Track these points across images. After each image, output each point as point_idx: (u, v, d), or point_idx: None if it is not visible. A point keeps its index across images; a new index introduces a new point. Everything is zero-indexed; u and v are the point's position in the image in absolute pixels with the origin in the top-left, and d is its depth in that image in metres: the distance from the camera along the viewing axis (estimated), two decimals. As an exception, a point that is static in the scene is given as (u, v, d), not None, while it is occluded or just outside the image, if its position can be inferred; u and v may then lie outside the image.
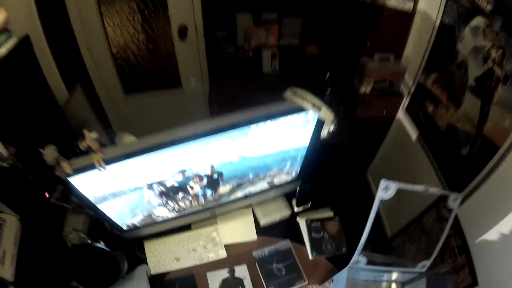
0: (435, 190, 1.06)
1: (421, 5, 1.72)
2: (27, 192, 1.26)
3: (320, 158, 1.38)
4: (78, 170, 0.95)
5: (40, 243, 1.27)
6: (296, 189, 1.49)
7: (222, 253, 1.41)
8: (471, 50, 1.41)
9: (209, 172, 1.18)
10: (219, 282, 1.33)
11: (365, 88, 1.88)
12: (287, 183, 1.44)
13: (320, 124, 1.10)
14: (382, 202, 0.98)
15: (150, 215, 1.29)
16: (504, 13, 1.23)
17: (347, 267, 1.18)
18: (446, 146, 1.63)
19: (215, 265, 1.39)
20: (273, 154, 1.22)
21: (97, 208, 1.12)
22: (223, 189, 1.31)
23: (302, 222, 1.47)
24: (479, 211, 1.36)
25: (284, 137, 1.16)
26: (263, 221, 1.50)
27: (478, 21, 1.36)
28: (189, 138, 0.99)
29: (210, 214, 1.43)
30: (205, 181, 1.22)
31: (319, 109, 1.03)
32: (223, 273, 1.36)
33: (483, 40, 1.33)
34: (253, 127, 1.04)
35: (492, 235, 1.24)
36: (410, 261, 1.23)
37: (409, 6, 1.70)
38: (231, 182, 1.29)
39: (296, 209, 1.52)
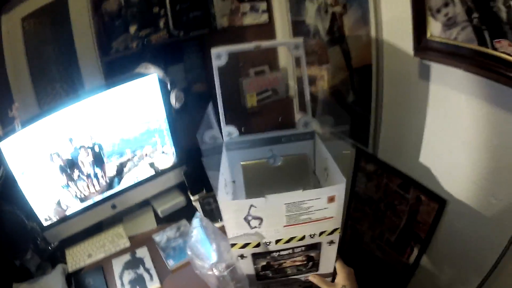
0: (269, 43, 1.18)
1: (276, 13, 2.01)
2: None
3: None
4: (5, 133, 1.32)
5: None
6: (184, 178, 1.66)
7: (126, 243, 1.60)
8: (315, 15, 1.66)
9: (90, 144, 1.44)
10: (122, 264, 1.50)
11: (250, 102, 2.05)
12: (171, 167, 1.66)
13: (165, 92, 1.42)
14: (220, 69, 1.15)
15: (59, 203, 1.48)
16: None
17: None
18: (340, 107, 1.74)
19: (120, 253, 1.55)
20: (137, 125, 1.48)
21: (18, 186, 1.35)
22: (109, 168, 1.53)
23: (196, 203, 1.63)
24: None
25: (140, 105, 1.45)
26: (160, 210, 1.70)
27: None
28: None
29: (112, 207, 1.60)
30: (90, 155, 1.46)
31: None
32: (126, 257, 1.53)
33: None
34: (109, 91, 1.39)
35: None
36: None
37: (264, 17, 1.99)
38: (113, 159, 1.52)
39: (192, 198, 1.65)
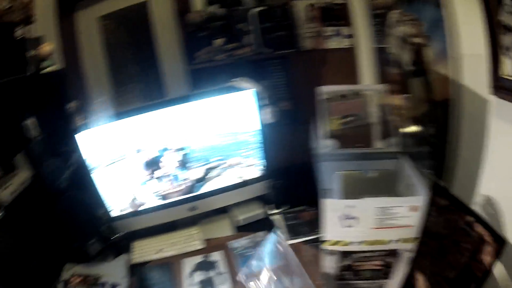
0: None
1: (360, 38, 2.36)
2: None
3: (289, 159, 2.05)
4: (85, 125, 1.76)
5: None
6: (269, 192, 2.03)
7: (200, 245, 1.94)
8: (398, 44, 1.96)
9: (179, 145, 1.83)
10: (193, 265, 1.83)
11: (332, 126, 2.22)
12: (257, 179, 2.00)
13: (260, 107, 1.80)
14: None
15: (136, 197, 1.89)
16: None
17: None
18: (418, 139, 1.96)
19: (192, 254, 1.90)
20: (229, 134, 1.87)
21: (92, 178, 1.79)
22: (194, 172, 1.91)
23: (277, 216, 1.98)
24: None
25: (235, 116, 1.85)
26: (240, 219, 2.04)
27: (392, 16, 1.99)
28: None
29: (190, 209, 1.98)
30: (177, 157, 1.85)
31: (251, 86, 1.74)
32: (198, 259, 1.86)
33: (401, 26, 1.91)
34: (206, 100, 1.81)
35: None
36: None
37: (347, 42, 2.39)
38: (200, 164, 1.90)
39: (274, 211, 2.03)
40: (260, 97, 1.85)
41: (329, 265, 1.41)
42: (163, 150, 1.86)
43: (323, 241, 1.35)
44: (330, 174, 1.54)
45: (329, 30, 2.45)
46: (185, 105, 1.83)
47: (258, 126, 1.90)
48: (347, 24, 2.45)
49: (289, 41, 2.43)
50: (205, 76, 2.37)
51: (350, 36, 2.44)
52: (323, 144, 1.61)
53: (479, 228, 1.50)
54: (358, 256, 1.37)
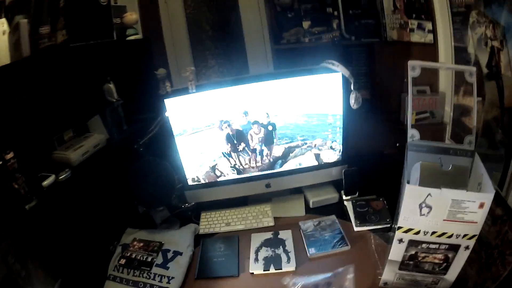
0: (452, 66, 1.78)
1: (440, 35, 2.50)
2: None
3: (364, 148, 2.24)
4: (174, 92, 1.99)
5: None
6: (343, 177, 2.18)
7: (270, 222, 2.16)
8: (477, 45, 2.10)
9: (265, 121, 2.03)
10: (261, 241, 2.02)
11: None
12: (333, 163, 2.21)
13: (347, 91, 2.00)
14: (413, 79, 1.69)
15: (214, 168, 2.12)
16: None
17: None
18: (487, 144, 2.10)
19: (262, 230, 2.11)
20: (313, 115, 2.07)
21: (175, 143, 2.04)
22: (276, 149, 2.12)
23: (348, 203, 2.16)
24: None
25: (320, 98, 2.04)
26: (312, 201, 2.24)
27: (472, 16, 2.12)
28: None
29: (266, 186, 2.20)
30: (262, 132, 2.05)
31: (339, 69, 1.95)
32: (267, 235, 2.05)
33: (480, 27, 2.05)
34: (294, 79, 2.03)
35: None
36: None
37: (430, 37, 2.51)
38: (282, 142, 2.11)
39: (344, 197, 2.20)
40: (347, 82, 2.01)
41: (397, 252, 1.56)
42: (250, 124, 2.06)
43: (397, 228, 1.50)
44: (412, 163, 1.69)
45: (412, 23, 2.62)
46: (274, 81, 2.03)
47: (341, 110, 2.08)
48: (429, 19, 2.59)
49: (374, 30, 2.63)
50: (290, 56, 2.61)
51: (431, 31, 2.58)
52: (409, 134, 1.77)
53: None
54: (425, 246, 1.52)
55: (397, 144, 2.33)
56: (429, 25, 2.60)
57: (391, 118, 2.69)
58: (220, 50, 2.68)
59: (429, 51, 2.61)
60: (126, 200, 2.21)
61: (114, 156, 2.31)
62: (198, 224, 2.21)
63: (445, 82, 2.63)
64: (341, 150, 2.21)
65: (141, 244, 2.10)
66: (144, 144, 2.12)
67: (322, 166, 2.24)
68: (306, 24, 2.63)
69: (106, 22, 2.43)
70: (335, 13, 2.66)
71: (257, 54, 2.66)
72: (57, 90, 2.11)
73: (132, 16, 2.53)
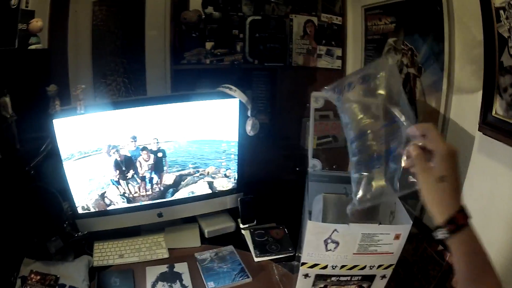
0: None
1: (349, 61, 2.56)
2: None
3: (261, 174, 2.19)
4: (63, 111, 1.84)
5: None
6: (238, 206, 2.15)
7: (165, 253, 2.04)
8: None
9: (154, 147, 1.94)
10: (157, 275, 1.89)
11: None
12: (228, 191, 2.15)
13: (243, 117, 1.94)
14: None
15: (103, 196, 1.99)
16: (403, 23, 2.08)
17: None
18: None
19: (156, 262, 1.98)
20: (206, 141, 2.00)
21: (63, 167, 1.88)
22: (167, 177, 2.03)
23: (246, 232, 2.10)
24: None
25: (215, 124, 1.98)
26: (207, 231, 2.16)
27: (388, 43, 2.18)
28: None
29: (158, 215, 2.09)
30: (151, 159, 1.96)
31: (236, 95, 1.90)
32: (162, 268, 1.93)
33: (396, 54, 2.10)
34: (190, 104, 1.94)
35: None
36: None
37: (338, 63, 2.55)
38: (173, 170, 2.03)
39: (242, 226, 2.15)
40: (244, 108, 1.98)
41: (303, 287, 1.53)
42: (139, 150, 1.96)
43: (301, 263, 1.46)
44: (314, 193, 1.67)
45: (321, 49, 2.63)
46: (168, 105, 1.94)
47: (236, 137, 2.04)
48: (339, 45, 2.64)
49: (279, 55, 2.58)
50: (190, 78, 2.53)
51: (340, 57, 2.62)
52: (311, 164, 1.75)
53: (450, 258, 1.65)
54: (335, 280, 1.50)
55: (297, 169, 2.29)
56: (338, 51, 2.65)
57: (291, 144, 2.69)
58: (120, 67, 2.53)
59: (336, 76, 2.64)
60: (21, 228, 2.05)
61: (6, 178, 2.07)
62: (92, 255, 2.05)
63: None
64: (236, 178, 2.17)
65: (38, 277, 1.93)
66: (35, 167, 2.01)
67: (216, 194, 2.19)
68: (209, 45, 2.57)
69: (10, 27, 2.21)
70: (241, 35, 2.60)
71: (156, 73, 2.58)
72: None
73: (37, 23, 2.33)
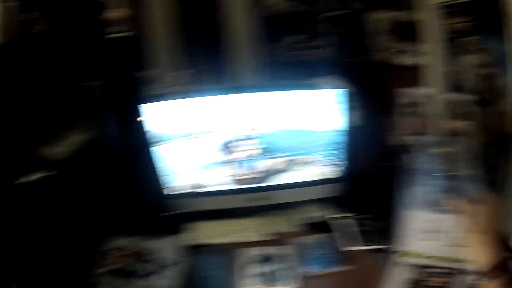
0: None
1: (429, 59, 2.50)
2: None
3: (359, 166, 2.24)
4: (163, 95, 1.98)
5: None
6: (340, 195, 2.21)
7: (261, 236, 2.10)
8: (469, 71, 2.16)
9: (258, 133, 2.03)
10: (251, 257, 1.96)
11: (397, 140, 2.52)
12: (328, 180, 2.19)
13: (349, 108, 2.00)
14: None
15: (202, 178, 2.11)
16: (479, 22, 2.08)
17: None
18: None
19: (252, 245, 2.04)
20: (310, 131, 2.06)
21: (162, 149, 2.01)
22: (269, 163, 2.10)
23: (342, 221, 2.15)
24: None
25: (318, 113, 2.03)
26: (306, 217, 2.21)
27: (466, 42, 2.19)
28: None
29: (256, 199, 2.18)
30: (254, 144, 2.05)
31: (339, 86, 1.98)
32: (256, 251, 1.99)
33: (473, 53, 2.13)
34: (290, 92, 1.99)
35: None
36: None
37: (419, 61, 2.52)
38: (276, 156, 2.10)
39: (339, 215, 2.20)
40: (348, 99, 2.01)
41: (397, 277, 1.58)
42: (242, 135, 2.04)
43: (397, 252, 1.54)
44: (415, 185, 1.73)
45: (400, 45, 2.60)
46: (269, 93, 1.99)
47: (339, 127, 2.06)
48: (420, 42, 2.55)
49: (362, 50, 2.59)
50: (282, 69, 2.56)
51: (421, 54, 2.54)
52: (411, 157, 1.85)
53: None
54: (426, 272, 1.55)
55: (389, 164, 2.31)
56: (418, 48, 2.56)
57: (380, 139, 2.61)
58: (207, 56, 2.60)
59: (415, 74, 2.58)
60: (112, 204, 2.16)
61: (99, 157, 2.23)
62: (186, 234, 2.16)
63: (435, 105, 2.58)
64: (337, 167, 2.19)
65: (126, 252, 2.04)
66: (130, 148, 2.13)
67: (316, 182, 2.21)
68: (298, 38, 2.59)
69: (93, 16, 2.35)
70: (328, 29, 2.63)
71: (246, 64, 2.65)
72: (36, 83, 2.01)
73: (120, 12, 2.38)
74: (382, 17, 2.60)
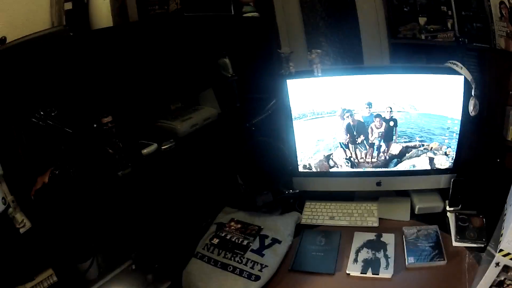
0: None
1: None
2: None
3: (471, 158, 2.18)
4: (298, 73, 2.01)
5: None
6: (450, 187, 2.14)
7: (375, 222, 2.14)
8: None
9: (387, 116, 2.07)
10: (364, 241, 2.00)
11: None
12: (444, 170, 2.15)
13: (467, 96, 1.94)
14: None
15: (328, 158, 2.15)
16: None
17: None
18: None
19: (365, 229, 2.09)
20: (434, 116, 2.04)
21: (291, 127, 2.07)
22: (394, 147, 2.15)
23: (450, 214, 2.09)
24: None
25: (441, 99, 2.00)
26: (418, 207, 2.20)
27: None
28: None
29: (376, 184, 2.23)
30: (383, 127, 2.06)
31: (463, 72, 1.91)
32: (370, 235, 2.03)
33: None
34: (416, 76, 2.00)
35: None
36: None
37: None
38: (401, 140, 2.13)
39: (448, 208, 2.14)
40: (469, 87, 1.95)
41: (490, 276, 1.50)
42: (372, 117, 2.09)
43: (498, 250, 1.45)
44: None
45: None
46: (396, 76, 2.02)
47: (459, 115, 2.01)
48: None
49: (484, 35, 2.45)
50: (406, 52, 2.56)
51: None
52: None
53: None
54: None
55: (498, 160, 2.28)
56: None
57: (493, 133, 2.49)
58: (334, 37, 2.66)
59: None
60: (228, 178, 2.26)
61: (223, 132, 2.33)
62: (301, 213, 2.22)
63: None
64: (454, 158, 2.14)
65: (239, 225, 2.11)
66: (256, 124, 2.17)
67: (434, 171, 2.22)
68: (422, 20, 2.58)
69: None
70: (449, 12, 2.54)
71: (372, 46, 2.67)
72: (167, 58, 2.14)
73: None
74: (496, 2, 2.38)
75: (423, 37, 2.52)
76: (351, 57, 2.64)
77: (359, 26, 2.60)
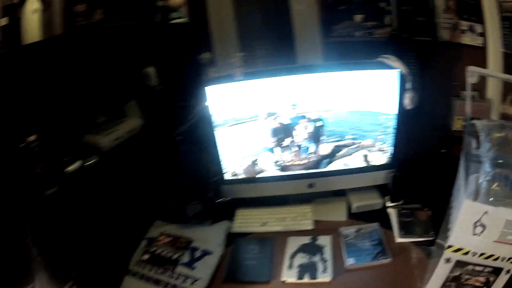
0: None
1: (489, 39, 2.39)
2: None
3: (409, 152, 2.13)
4: (218, 78, 1.96)
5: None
6: (389, 183, 2.12)
7: (309, 225, 2.07)
8: None
9: (314, 116, 2.00)
10: (298, 245, 1.93)
11: (457, 125, 2.46)
12: (381, 166, 2.11)
13: (402, 90, 1.90)
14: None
15: (255, 163, 2.07)
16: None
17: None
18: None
19: (300, 233, 2.01)
20: (365, 112, 1.98)
21: (215, 134, 1.98)
22: (324, 147, 2.05)
23: (392, 210, 2.08)
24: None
25: (373, 95, 1.95)
26: (355, 205, 2.15)
27: None
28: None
29: (308, 186, 2.13)
30: (310, 127, 1.99)
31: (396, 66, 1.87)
32: (305, 239, 1.96)
33: None
34: (348, 73, 1.92)
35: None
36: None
37: (479, 41, 2.39)
38: (331, 140, 2.06)
39: (388, 204, 2.12)
40: (404, 80, 1.91)
41: (442, 272, 1.49)
42: (297, 118, 1.99)
43: (446, 246, 1.42)
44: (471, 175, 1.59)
45: (464, 24, 2.46)
46: (326, 74, 1.94)
47: (394, 110, 1.98)
48: (480, 22, 2.44)
49: (426, 29, 2.49)
50: (341, 50, 2.52)
51: (481, 34, 2.44)
52: (466, 141, 1.66)
53: None
54: (470, 268, 1.45)
55: (442, 150, 2.31)
56: (479, 28, 2.46)
57: (438, 123, 2.58)
58: (268, 39, 2.61)
59: (479, 54, 2.47)
60: (157, 191, 2.18)
61: (148, 144, 2.28)
62: (232, 221, 2.16)
63: (492, 90, 2.53)
64: (390, 153, 2.11)
65: (169, 239, 2.05)
66: (182, 133, 2.11)
67: (369, 168, 2.15)
68: (358, 18, 2.59)
69: (148, 3, 2.43)
70: (388, 8, 2.55)
71: (306, 46, 2.64)
72: (91, 71, 2.06)
73: None
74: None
75: (358, 34, 2.52)
76: (286, 59, 2.60)
77: (293, 27, 2.58)
